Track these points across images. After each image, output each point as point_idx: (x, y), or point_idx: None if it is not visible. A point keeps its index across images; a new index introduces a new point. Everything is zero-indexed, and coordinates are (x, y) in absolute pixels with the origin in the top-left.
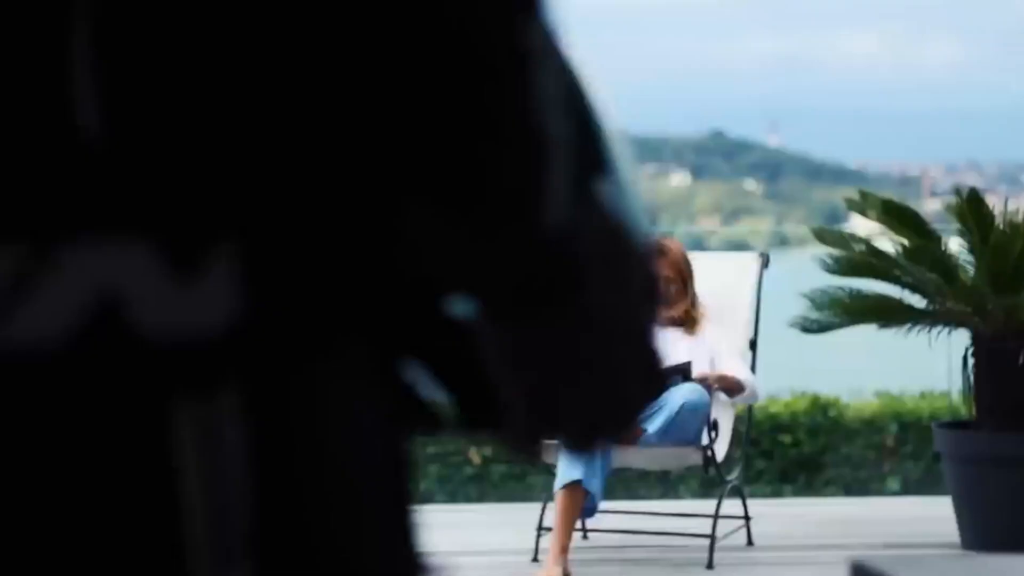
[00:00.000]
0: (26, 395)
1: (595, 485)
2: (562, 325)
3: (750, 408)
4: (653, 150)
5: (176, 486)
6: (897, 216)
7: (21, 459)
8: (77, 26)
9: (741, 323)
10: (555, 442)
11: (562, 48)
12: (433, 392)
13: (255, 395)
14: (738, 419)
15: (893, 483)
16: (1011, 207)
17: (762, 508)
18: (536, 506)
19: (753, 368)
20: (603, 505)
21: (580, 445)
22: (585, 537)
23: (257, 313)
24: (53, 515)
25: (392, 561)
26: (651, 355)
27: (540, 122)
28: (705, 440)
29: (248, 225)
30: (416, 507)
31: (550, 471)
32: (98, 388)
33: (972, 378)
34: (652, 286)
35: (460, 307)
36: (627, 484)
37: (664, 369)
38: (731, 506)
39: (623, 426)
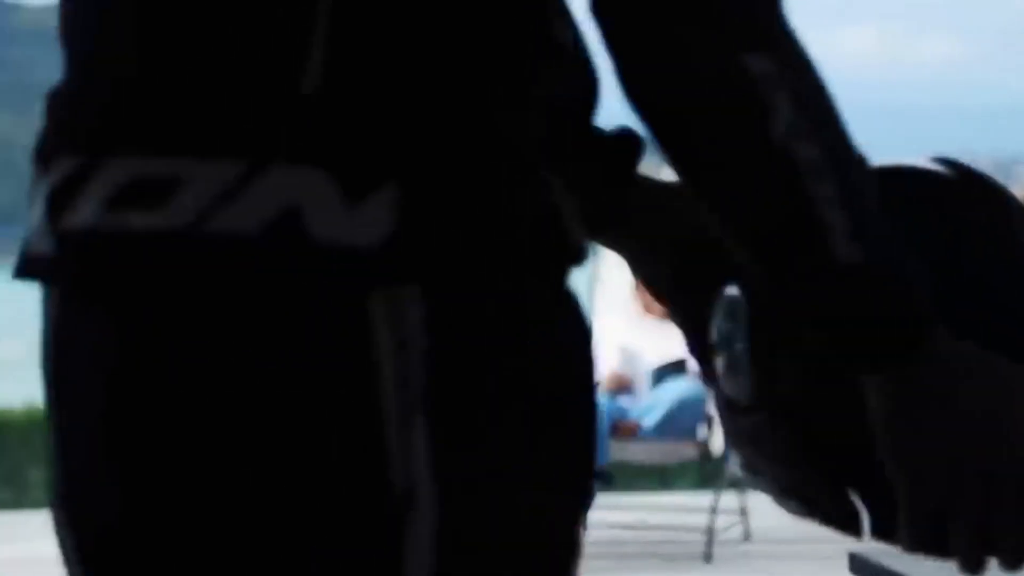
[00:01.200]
0: (228, 265)
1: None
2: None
3: None
4: (651, 148)
5: (371, 356)
6: None
7: (227, 312)
8: (321, 6)
9: None
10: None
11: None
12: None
13: (435, 304)
14: None
15: None
16: None
17: (760, 501)
18: None
19: None
20: (600, 500)
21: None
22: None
23: (404, 235)
24: (270, 361)
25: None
26: None
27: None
28: (702, 434)
29: (405, 173)
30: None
31: None
32: (275, 269)
33: None
34: None
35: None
36: (624, 478)
37: (662, 366)
38: (729, 499)
39: None
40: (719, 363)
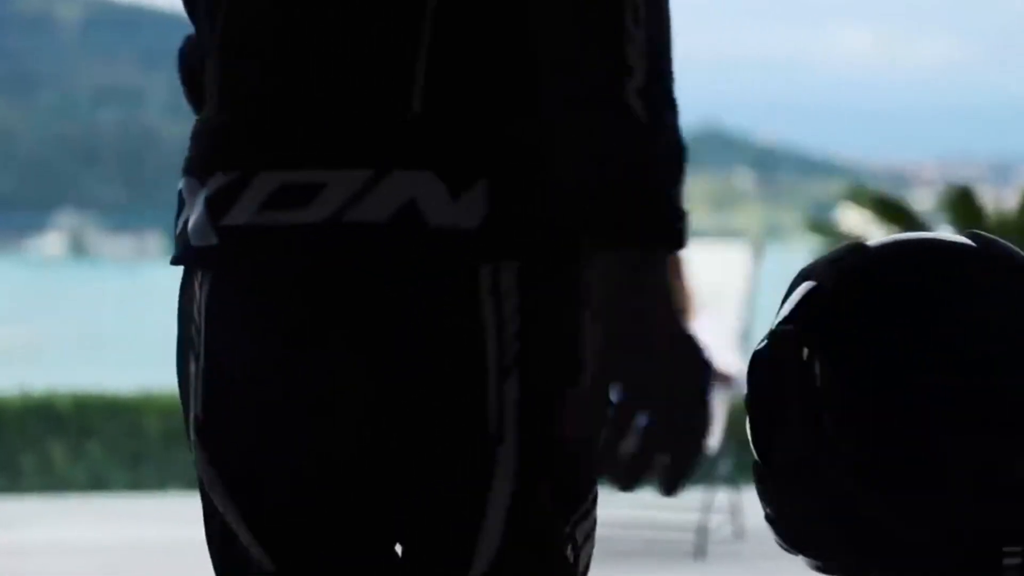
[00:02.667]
0: (361, 246)
1: None
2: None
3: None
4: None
5: (480, 321)
6: (888, 210)
7: (369, 291)
8: (425, 28)
9: (732, 313)
10: None
11: None
12: None
13: (522, 275)
14: (735, 408)
15: None
16: (1000, 199)
17: (755, 499)
18: None
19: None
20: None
21: None
22: None
23: (498, 220)
24: (402, 323)
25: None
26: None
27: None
28: None
29: (491, 172)
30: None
31: None
32: (403, 252)
33: None
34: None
35: None
36: None
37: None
38: (722, 497)
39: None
40: (756, 421)
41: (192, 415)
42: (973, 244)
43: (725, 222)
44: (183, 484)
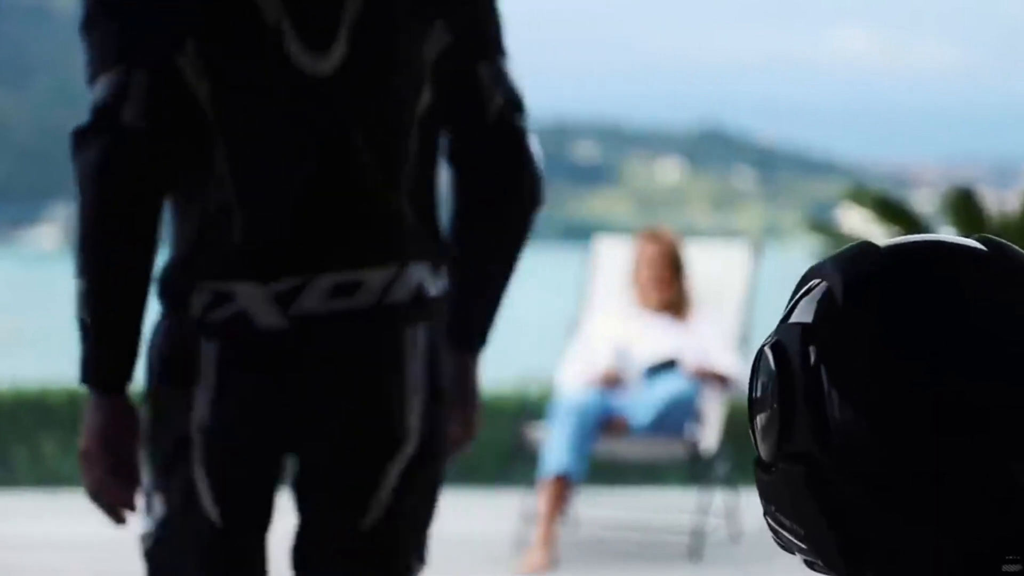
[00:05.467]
0: (394, 318)
1: (579, 473)
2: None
3: (743, 399)
4: (647, 142)
5: (404, 361)
6: (889, 210)
7: (369, 347)
8: (404, 176)
9: (732, 312)
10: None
11: None
12: None
13: (425, 330)
14: (733, 410)
15: None
16: (1003, 201)
17: (752, 500)
18: (520, 492)
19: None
20: (589, 497)
21: None
22: (568, 526)
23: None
24: (372, 366)
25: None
26: None
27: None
28: (691, 433)
29: (443, 260)
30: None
31: (532, 458)
32: (414, 315)
33: None
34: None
35: None
36: (614, 475)
37: (655, 365)
38: (720, 498)
39: None
40: (759, 420)
41: (197, 419)
42: (984, 248)
43: (725, 222)
44: None
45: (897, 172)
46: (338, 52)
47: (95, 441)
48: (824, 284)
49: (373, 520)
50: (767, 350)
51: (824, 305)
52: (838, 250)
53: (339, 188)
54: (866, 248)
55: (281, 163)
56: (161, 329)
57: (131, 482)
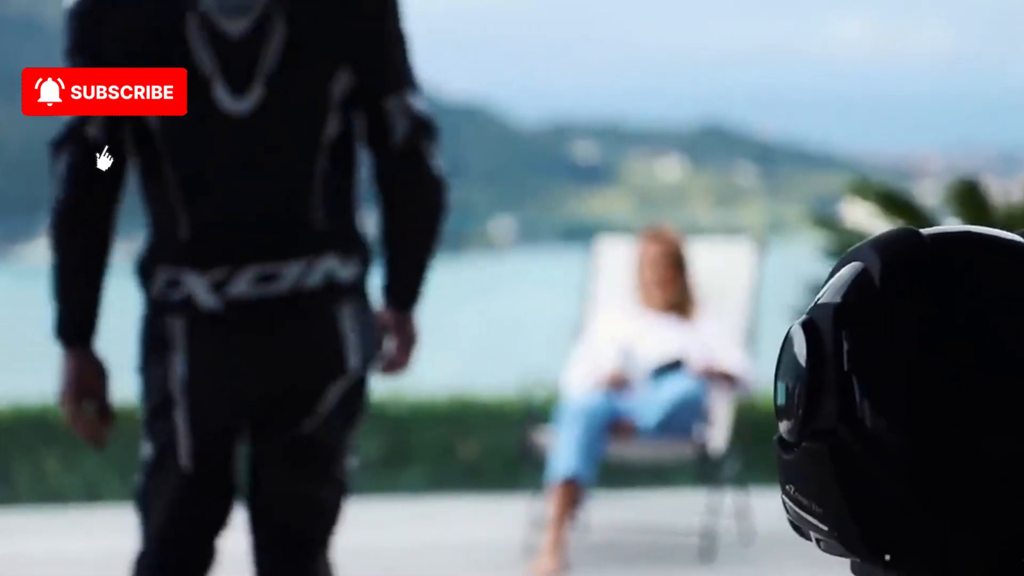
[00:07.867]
0: (308, 299)
1: (589, 477)
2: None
3: (752, 398)
4: (646, 140)
5: (340, 329)
6: (893, 203)
7: (312, 321)
8: (316, 178)
9: (738, 310)
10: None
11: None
12: None
13: (344, 301)
14: (742, 409)
15: None
16: (1008, 190)
17: (763, 501)
18: (527, 497)
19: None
20: (599, 499)
21: None
22: (579, 529)
23: (361, 277)
24: (328, 338)
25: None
26: None
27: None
28: (699, 434)
29: (359, 251)
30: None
31: (540, 463)
32: (326, 295)
33: None
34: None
35: None
36: (623, 478)
37: (661, 365)
38: (731, 498)
39: None
40: (784, 399)
41: (176, 383)
42: None
43: (728, 219)
44: None
45: (898, 162)
46: (255, 95)
47: (67, 383)
48: (861, 266)
49: (312, 427)
50: (798, 328)
51: (861, 287)
52: (876, 235)
53: (258, 199)
54: (908, 234)
55: (214, 179)
56: (145, 314)
57: (101, 416)
